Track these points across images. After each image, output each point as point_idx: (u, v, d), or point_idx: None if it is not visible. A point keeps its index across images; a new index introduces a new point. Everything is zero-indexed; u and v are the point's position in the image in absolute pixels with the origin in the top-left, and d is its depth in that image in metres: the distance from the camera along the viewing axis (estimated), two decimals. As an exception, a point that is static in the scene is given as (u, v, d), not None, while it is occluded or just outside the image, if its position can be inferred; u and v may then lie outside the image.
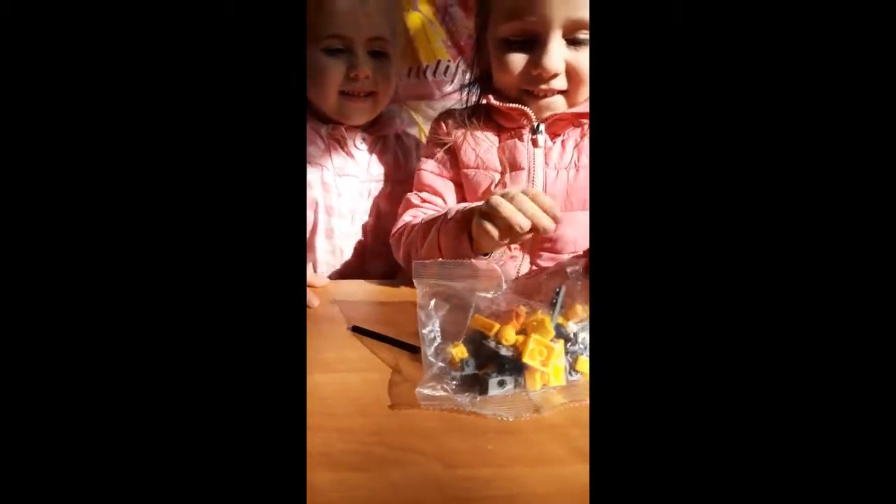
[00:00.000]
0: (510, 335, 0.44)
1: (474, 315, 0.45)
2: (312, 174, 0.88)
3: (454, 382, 0.41)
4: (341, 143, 0.92)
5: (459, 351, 0.43)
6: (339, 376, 0.45)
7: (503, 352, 0.43)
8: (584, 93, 0.74)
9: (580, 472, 0.34)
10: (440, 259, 0.51)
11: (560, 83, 0.72)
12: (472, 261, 0.52)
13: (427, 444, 0.37)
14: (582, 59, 0.71)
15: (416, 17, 0.99)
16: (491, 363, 0.43)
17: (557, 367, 0.43)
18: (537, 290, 0.52)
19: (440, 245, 0.71)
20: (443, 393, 0.40)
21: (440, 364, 0.42)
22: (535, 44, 0.70)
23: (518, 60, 0.72)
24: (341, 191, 0.91)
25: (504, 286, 0.51)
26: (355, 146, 0.92)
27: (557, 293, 0.48)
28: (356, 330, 0.54)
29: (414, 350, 0.49)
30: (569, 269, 0.51)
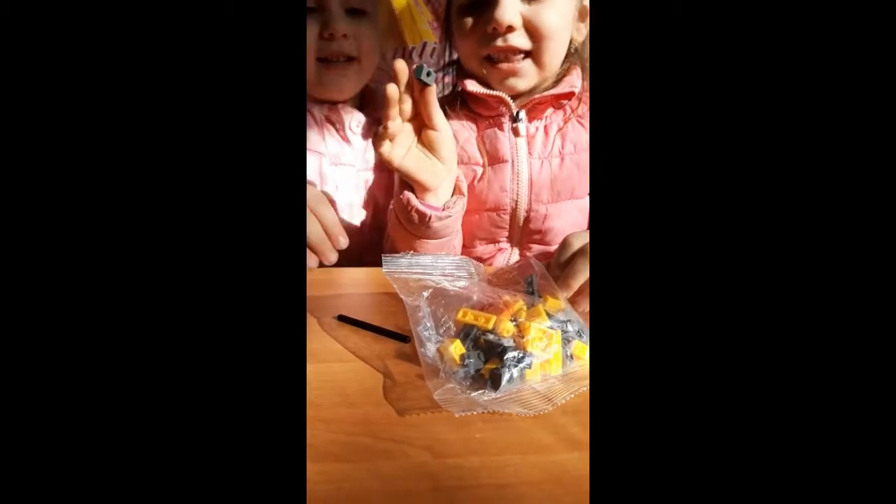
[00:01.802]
0: (509, 326, 0.43)
1: (462, 309, 0.44)
2: (310, 163, 0.80)
3: (466, 382, 0.40)
4: (337, 127, 0.83)
5: (457, 347, 0.42)
6: (325, 367, 0.45)
7: (507, 343, 0.41)
8: (553, 51, 0.71)
9: (570, 459, 0.34)
10: (411, 252, 0.51)
11: (521, 41, 0.69)
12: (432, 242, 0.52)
13: (415, 434, 0.36)
14: (540, 12, 0.68)
15: None
16: (494, 357, 0.41)
17: (556, 355, 0.43)
18: (512, 281, 0.51)
19: (396, 243, 0.71)
20: (462, 395, 0.39)
21: (446, 364, 0.41)
22: (489, 3, 0.68)
23: (472, 21, 0.70)
24: (338, 182, 0.83)
25: (476, 278, 0.50)
26: (350, 130, 0.83)
27: (530, 282, 0.48)
28: (342, 319, 0.53)
29: (402, 339, 0.48)
30: (534, 262, 0.51)
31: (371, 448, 0.35)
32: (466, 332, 0.43)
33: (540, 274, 0.50)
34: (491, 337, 0.42)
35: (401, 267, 0.49)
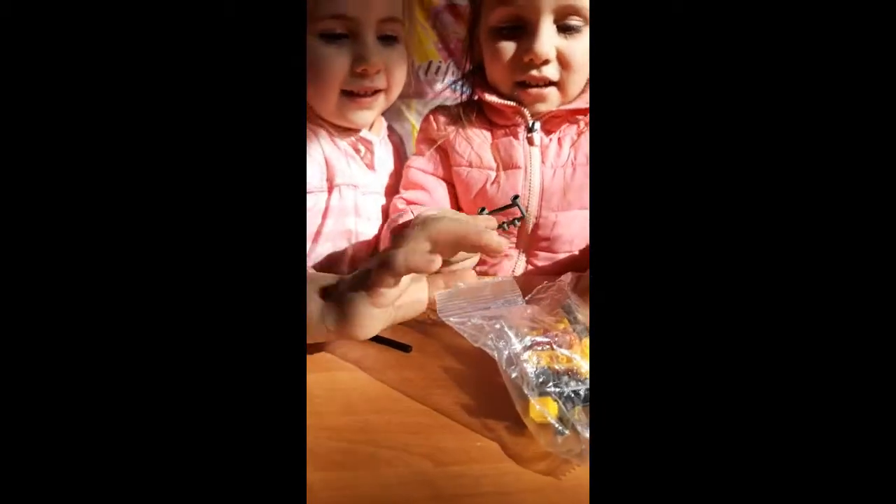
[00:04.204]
0: (586, 366, 0.39)
1: (540, 352, 0.39)
2: (346, 196, 0.73)
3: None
4: (363, 155, 0.75)
5: (553, 408, 0.36)
6: (328, 375, 0.45)
7: (583, 390, 0.37)
8: (578, 82, 0.73)
9: (570, 467, 0.34)
10: (460, 284, 0.46)
11: (552, 72, 0.71)
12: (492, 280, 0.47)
13: (416, 442, 0.36)
14: (573, 46, 0.70)
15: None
16: (573, 403, 0.37)
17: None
18: (559, 298, 0.47)
19: None
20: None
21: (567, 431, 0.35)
22: (525, 31, 0.70)
23: (509, 48, 0.71)
24: (370, 214, 0.76)
25: (519, 296, 0.46)
26: (378, 156, 0.77)
27: (569, 309, 0.45)
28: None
29: (403, 348, 0.48)
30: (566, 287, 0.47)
31: (372, 456, 0.35)
32: (546, 377, 0.38)
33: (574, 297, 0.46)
34: (571, 384, 0.37)
35: (456, 306, 0.43)
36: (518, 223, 0.53)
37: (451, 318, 0.41)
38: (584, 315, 0.45)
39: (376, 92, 0.71)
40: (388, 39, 0.69)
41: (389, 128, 0.85)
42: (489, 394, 0.41)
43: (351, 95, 0.69)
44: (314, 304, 0.43)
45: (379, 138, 0.78)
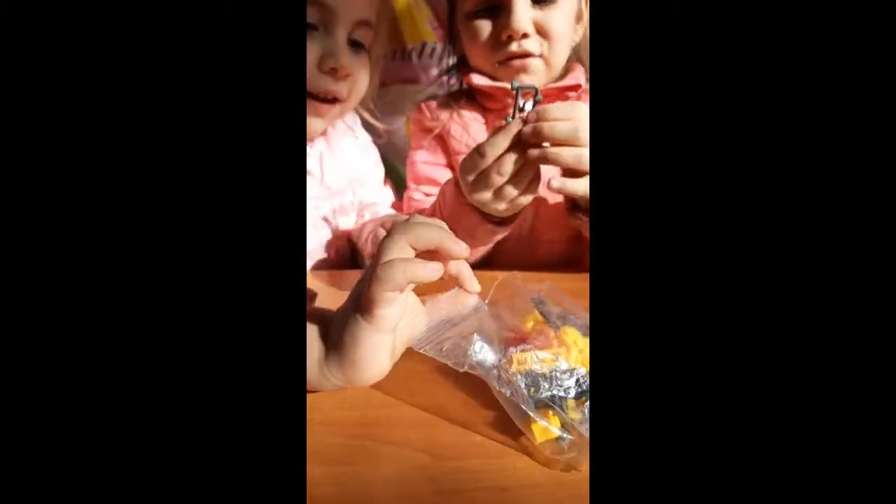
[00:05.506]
0: (569, 359, 0.38)
1: (514, 357, 0.38)
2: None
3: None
4: None
5: (555, 420, 0.35)
6: (326, 368, 0.44)
7: (573, 393, 0.36)
8: (560, 53, 0.74)
9: (570, 461, 0.34)
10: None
11: (534, 45, 0.71)
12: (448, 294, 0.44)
13: (415, 437, 0.36)
14: (550, 17, 0.70)
15: None
16: (564, 400, 0.36)
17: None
18: (517, 294, 0.46)
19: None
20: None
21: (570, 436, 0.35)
22: (501, 9, 0.70)
23: (486, 27, 0.72)
24: (315, 225, 0.71)
25: (478, 300, 0.43)
26: (309, 156, 0.72)
27: (539, 302, 0.45)
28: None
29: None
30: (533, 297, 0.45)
31: (371, 451, 0.35)
32: (534, 381, 0.37)
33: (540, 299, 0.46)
34: (564, 380, 0.37)
35: (431, 337, 0.41)
36: (540, 97, 0.53)
37: (426, 347, 0.39)
38: (554, 304, 0.44)
39: (335, 100, 0.66)
40: (357, 46, 0.65)
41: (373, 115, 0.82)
42: (488, 388, 0.40)
43: (309, 97, 0.63)
44: (309, 351, 0.39)
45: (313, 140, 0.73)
